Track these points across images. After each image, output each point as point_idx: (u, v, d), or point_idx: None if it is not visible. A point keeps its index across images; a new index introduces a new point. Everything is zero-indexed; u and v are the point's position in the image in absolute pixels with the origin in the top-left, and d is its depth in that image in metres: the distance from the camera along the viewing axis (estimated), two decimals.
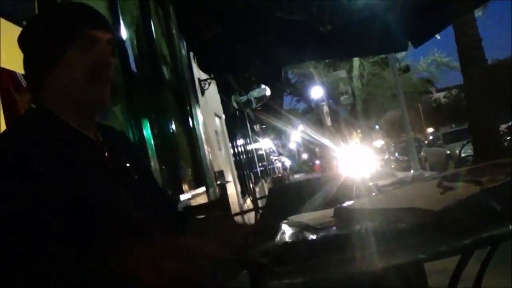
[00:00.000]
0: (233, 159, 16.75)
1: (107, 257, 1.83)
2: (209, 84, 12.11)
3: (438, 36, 23.95)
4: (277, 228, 2.39)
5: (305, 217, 2.68)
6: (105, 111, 2.23)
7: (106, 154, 2.19)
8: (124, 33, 6.54)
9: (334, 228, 2.19)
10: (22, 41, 2.17)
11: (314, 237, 2.07)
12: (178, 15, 9.06)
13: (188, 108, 9.82)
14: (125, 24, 6.77)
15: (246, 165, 21.66)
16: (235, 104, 16.67)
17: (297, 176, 58.36)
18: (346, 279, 1.71)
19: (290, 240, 2.10)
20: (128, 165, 2.30)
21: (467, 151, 21.97)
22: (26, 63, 2.15)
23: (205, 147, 10.05)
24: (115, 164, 2.19)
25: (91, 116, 2.19)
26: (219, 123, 15.08)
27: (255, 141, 34.81)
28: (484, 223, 1.64)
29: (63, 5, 2.35)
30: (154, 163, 6.70)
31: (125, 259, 1.76)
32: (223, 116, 16.20)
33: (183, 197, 7.65)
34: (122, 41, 6.43)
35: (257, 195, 17.51)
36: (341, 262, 1.65)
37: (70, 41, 2.05)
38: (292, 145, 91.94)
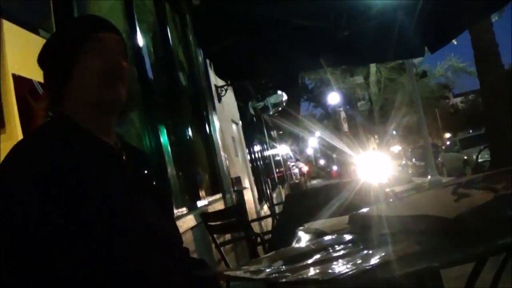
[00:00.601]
0: (250, 165, 16.73)
1: (126, 264, 1.88)
2: (226, 90, 12.12)
3: (454, 41, 23.85)
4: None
5: (321, 223, 2.69)
6: (121, 111, 2.24)
7: (124, 160, 2.21)
8: (140, 40, 6.57)
9: (349, 234, 2.20)
10: (41, 57, 2.21)
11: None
12: (195, 22, 9.08)
13: (205, 114, 9.84)
14: (142, 31, 6.80)
15: (263, 171, 21.65)
16: (252, 110, 16.70)
17: (314, 182, 58.23)
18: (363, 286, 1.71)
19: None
20: (146, 172, 2.33)
21: (484, 156, 21.86)
22: (46, 76, 2.20)
23: (222, 153, 10.07)
24: (133, 171, 2.21)
25: (110, 120, 2.21)
26: (236, 129, 15.09)
27: (272, 147, 34.78)
28: (498, 230, 1.64)
29: (70, 20, 2.43)
30: (171, 170, 6.72)
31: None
32: (240, 122, 16.20)
33: (200, 203, 7.67)
34: (139, 49, 6.46)
35: (274, 201, 17.52)
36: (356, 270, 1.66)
37: (79, 47, 2.10)
38: (309, 151, 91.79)
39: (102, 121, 2.16)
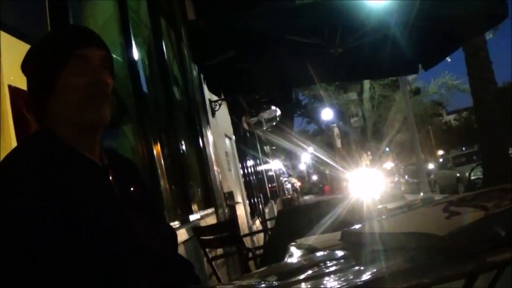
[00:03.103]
0: (243, 179, 16.71)
1: (109, 281, 1.88)
2: (220, 105, 12.13)
3: (448, 59, 23.89)
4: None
5: (313, 239, 2.70)
6: (105, 128, 2.23)
7: (110, 178, 2.20)
8: (136, 54, 6.58)
9: (341, 251, 2.21)
10: (23, 69, 2.20)
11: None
12: (190, 37, 9.10)
13: (198, 129, 9.84)
14: (137, 45, 6.81)
15: (255, 186, 21.63)
16: (245, 125, 16.68)
17: (306, 197, 58.24)
18: None
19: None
20: (132, 189, 2.32)
21: (476, 173, 21.95)
22: (28, 89, 2.19)
23: (215, 167, 10.06)
24: (119, 189, 2.20)
25: (94, 137, 2.19)
26: (229, 144, 15.08)
27: (265, 162, 34.76)
28: (488, 248, 1.66)
29: (56, 30, 2.37)
30: (164, 183, 6.72)
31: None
32: (234, 137, 16.19)
33: (192, 217, 7.67)
34: (134, 62, 6.47)
35: (266, 216, 17.50)
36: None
37: (61, 64, 2.07)
38: (302, 167, 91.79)
39: (84, 139, 2.15)
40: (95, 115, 2.11)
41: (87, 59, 2.10)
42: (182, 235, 6.40)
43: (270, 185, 33.27)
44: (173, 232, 2.55)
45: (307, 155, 72.08)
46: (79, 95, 2.06)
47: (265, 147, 36.87)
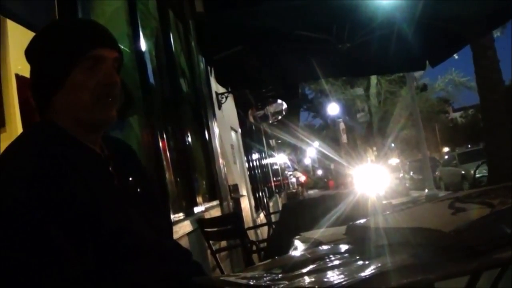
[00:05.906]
0: (248, 173, 16.70)
1: (111, 274, 1.88)
2: (226, 98, 12.11)
3: (456, 56, 23.89)
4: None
5: (317, 233, 2.70)
6: (111, 126, 2.22)
7: (111, 168, 2.20)
8: (143, 45, 6.57)
9: (346, 245, 2.21)
10: (29, 58, 2.18)
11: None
12: (198, 29, 9.10)
13: (204, 121, 9.83)
14: (145, 37, 6.81)
15: (260, 179, 21.61)
16: (251, 119, 16.67)
17: (311, 192, 58.21)
18: None
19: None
20: (131, 179, 2.32)
21: (482, 171, 21.91)
22: (33, 81, 2.15)
23: (220, 160, 10.05)
24: (119, 179, 2.21)
25: (97, 132, 2.21)
26: (235, 137, 15.07)
27: (270, 155, 34.73)
28: (493, 245, 1.66)
29: (68, 23, 2.31)
30: (169, 175, 6.72)
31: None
32: (239, 130, 16.18)
33: (197, 209, 7.67)
34: (141, 54, 6.46)
35: (271, 210, 17.50)
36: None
37: (74, 63, 2.05)
38: (307, 161, 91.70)
39: (88, 133, 2.15)
40: (103, 115, 2.11)
41: (101, 60, 2.09)
42: (186, 227, 6.41)
43: (275, 179, 33.25)
44: (169, 222, 2.56)
45: (312, 149, 72.06)
46: (88, 95, 2.06)
47: (270, 141, 36.85)
